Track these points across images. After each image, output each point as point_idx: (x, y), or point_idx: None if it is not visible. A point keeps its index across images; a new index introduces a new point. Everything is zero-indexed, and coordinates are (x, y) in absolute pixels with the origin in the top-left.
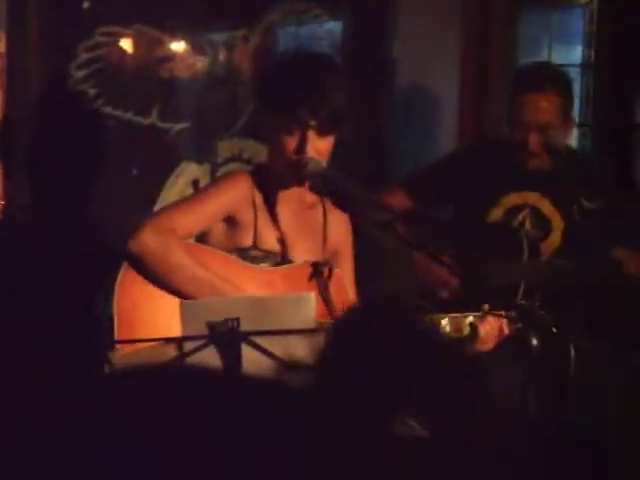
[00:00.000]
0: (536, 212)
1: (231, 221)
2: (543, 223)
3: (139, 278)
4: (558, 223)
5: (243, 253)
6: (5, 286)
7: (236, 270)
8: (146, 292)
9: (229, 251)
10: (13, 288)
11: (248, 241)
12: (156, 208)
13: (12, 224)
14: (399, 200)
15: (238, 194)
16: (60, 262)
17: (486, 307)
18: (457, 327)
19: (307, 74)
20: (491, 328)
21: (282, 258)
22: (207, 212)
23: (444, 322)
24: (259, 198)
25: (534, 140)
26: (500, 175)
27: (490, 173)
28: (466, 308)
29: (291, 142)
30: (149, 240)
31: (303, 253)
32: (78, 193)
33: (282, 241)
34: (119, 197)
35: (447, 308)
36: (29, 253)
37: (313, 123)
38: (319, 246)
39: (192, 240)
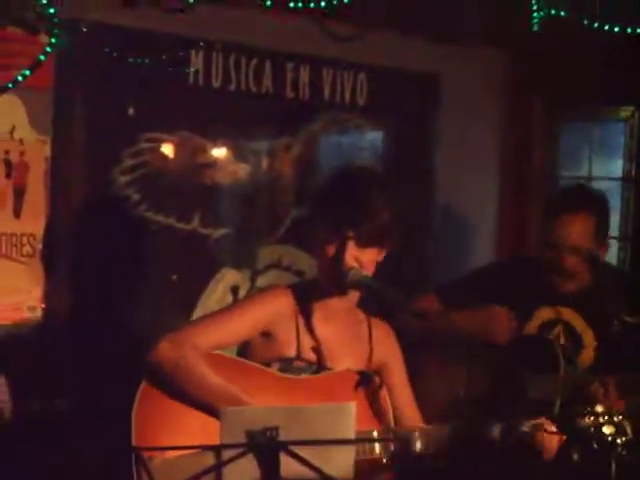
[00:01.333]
0: (569, 328)
1: (269, 336)
2: (576, 339)
3: (159, 396)
4: (590, 341)
5: (286, 364)
6: (44, 387)
7: (269, 381)
8: (167, 410)
9: (270, 362)
10: (51, 389)
11: (291, 352)
12: (195, 313)
13: (52, 328)
14: (432, 307)
15: (274, 310)
16: (96, 368)
17: (544, 420)
18: (510, 435)
19: (353, 187)
20: (551, 437)
21: (318, 368)
22: (236, 328)
23: (495, 430)
24: (298, 311)
25: (566, 261)
26: (534, 291)
27: (524, 289)
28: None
29: (331, 251)
30: (165, 352)
31: (346, 364)
32: (118, 298)
33: (318, 353)
34: (159, 302)
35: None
36: (67, 357)
37: (351, 234)
38: (363, 359)
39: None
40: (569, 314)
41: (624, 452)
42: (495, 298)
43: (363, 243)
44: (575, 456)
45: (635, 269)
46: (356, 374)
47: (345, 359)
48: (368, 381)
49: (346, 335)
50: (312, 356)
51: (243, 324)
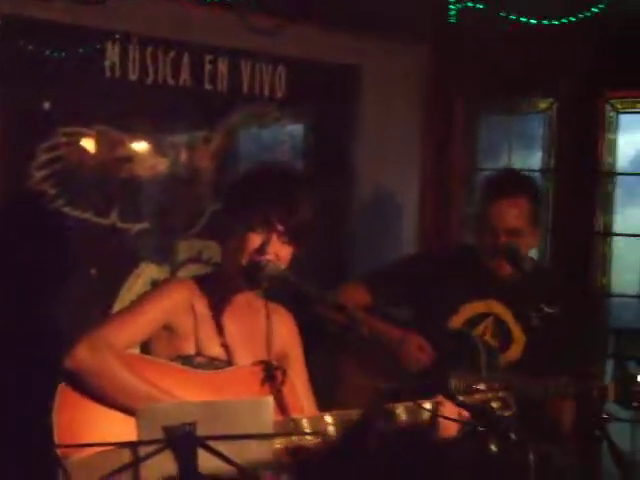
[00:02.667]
0: (499, 322)
1: (170, 329)
2: (504, 334)
3: (77, 397)
4: (519, 336)
5: (187, 361)
6: None
7: (178, 377)
8: (87, 409)
9: (172, 359)
10: None
11: (191, 349)
12: (115, 308)
13: None
14: (359, 296)
15: (174, 303)
16: (12, 367)
17: (440, 398)
18: (414, 415)
19: (278, 182)
20: (450, 413)
21: (227, 364)
22: (144, 323)
23: (398, 410)
24: (201, 305)
25: (504, 245)
26: (466, 281)
27: (455, 279)
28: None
29: (254, 240)
30: (84, 357)
31: (247, 358)
32: (36, 295)
33: (226, 347)
34: (78, 297)
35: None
36: None
37: (280, 228)
38: (263, 350)
39: (136, 349)
40: (499, 308)
41: (510, 425)
42: (425, 289)
43: (287, 238)
44: (493, 447)
45: (554, 260)
46: (261, 368)
47: (248, 352)
48: (272, 375)
49: (247, 326)
50: (216, 351)
51: (147, 319)
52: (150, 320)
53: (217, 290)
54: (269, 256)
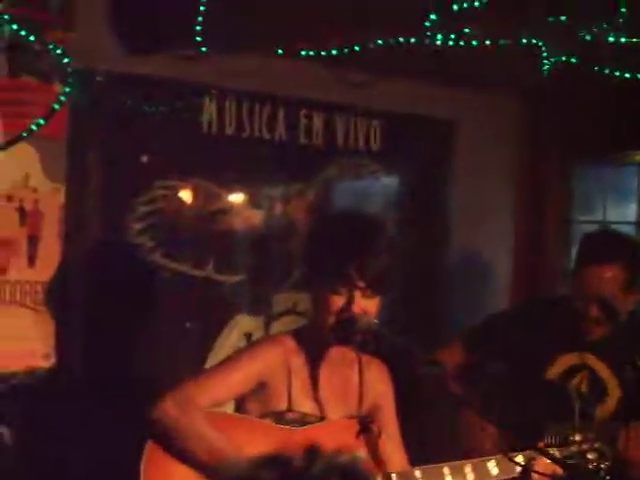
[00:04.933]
0: (593, 375)
1: (263, 386)
2: (599, 387)
3: (164, 455)
4: (614, 389)
5: (278, 417)
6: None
7: (269, 434)
8: (173, 465)
9: (263, 415)
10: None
11: (282, 404)
12: (209, 361)
13: (64, 376)
14: (456, 353)
15: (268, 364)
16: (110, 421)
17: (540, 444)
18: (506, 469)
19: (356, 236)
20: (545, 468)
21: (318, 419)
22: (235, 382)
23: (490, 464)
24: (296, 361)
25: (595, 311)
26: (560, 333)
27: (548, 332)
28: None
29: (337, 301)
30: (167, 410)
31: (339, 412)
32: (131, 346)
33: (319, 402)
34: (174, 350)
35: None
36: (80, 407)
37: (361, 285)
38: (355, 403)
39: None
40: (593, 361)
41: (607, 477)
42: (520, 342)
43: (369, 293)
44: None
45: None
46: (355, 422)
47: (339, 406)
48: (367, 428)
49: (339, 379)
50: (308, 406)
51: (239, 378)
52: (241, 381)
53: (311, 344)
54: (356, 312)
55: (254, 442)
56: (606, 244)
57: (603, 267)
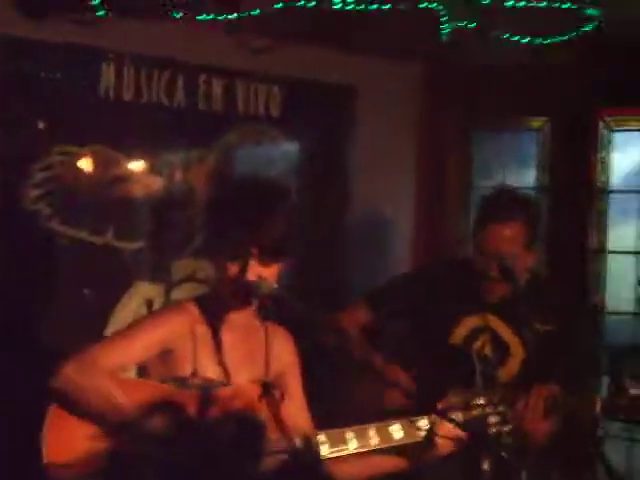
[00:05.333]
0: (495, 336)
1: (168, 353)
2: (502, 349)
3: (68, 417)
4: (517, 350)
5: (181, 383)
6: None
7: (167, 397)
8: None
9: (164, 380)
10: None
11: (187, 370)
12: (109, 327)
13: None
14: (360, 313)
15: (176, 328)
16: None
17: (440, 406)
18: (410, 432)
19: (252, 204)
20: (447, 431)
21: (222, 385)
22: (139, 347)
23: (394, 427)
24: (201, 327)
25: (495, 271)
26: (462, 297)
27: (451, 294)
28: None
29: (234, 268)
30: (69, 375)
31: (245, 377)
32: (30, 314)
33: (224, 366)
34: (72, 317)
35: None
36: None
37: (255, 251)
38: (261, 369)
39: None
40: (496, 322)
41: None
42: (424, 302)
43: (265, 260)
44: (485, 465)
45: (548, 276)
46: (258, 386)
47: (245, 371)
48: (268, 392)
49: (245, 346)
50: (212, 371)
51: (145, 344)
52: (145, 346)
53: (214, 311)
54: (251, 278)
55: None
56: (505, 203)
57: (503, 225)
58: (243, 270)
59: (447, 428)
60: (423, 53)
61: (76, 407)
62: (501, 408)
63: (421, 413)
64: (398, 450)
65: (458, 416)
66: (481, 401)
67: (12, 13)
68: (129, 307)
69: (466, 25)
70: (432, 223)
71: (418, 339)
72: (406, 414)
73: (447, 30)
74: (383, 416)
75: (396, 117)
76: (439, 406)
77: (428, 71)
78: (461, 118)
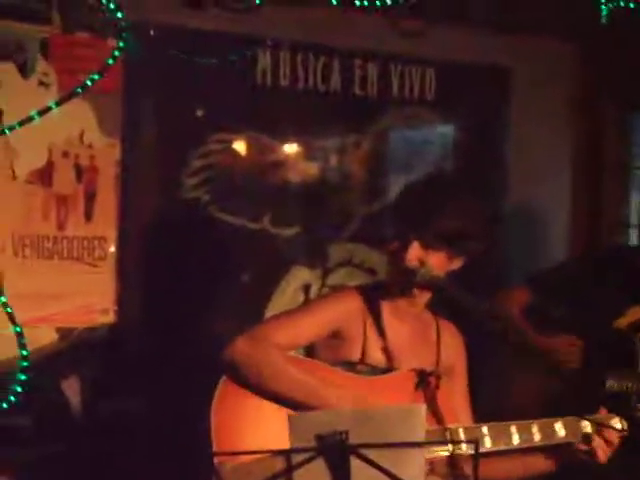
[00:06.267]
0: None
1: (338, 335)
2: None
3: (238, 391)
4: None
5: (349, 367)
6: (117, 390)
7: (338, 379)
8: (246, 405)
9: (334, 364)
10: (125, 393)
11: (356, 355)
12: (267, 313)
13: (124, 329)
14: (521, 296)
15: (347, 309)
16: (169, 371)
17: (603, 412)
18: (573, 432)
19: (421, 192)
20: (606, 442)
21: (385, 370)
22: (311, 326)
23: (558, 425)
24: (367, 312)
25: None
26: (629, 285)
27: (619, 281)
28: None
29: (394, 251)
30: (243, 349)
31: (412, 366)
32: (190, 300)
33: (387, 354)
34: (231, 303)
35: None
36: (140, 361)
37: (414, 235)
38: (431, 361)
39: (298, 352)
40: None
41: None
42: (589, 290)
43: (427, 244)
44: None
45: None
46: (416, 374)
47: (412, 361)
48: (426, 381)
49: (414, 337)
50: (378, 358)
51: (316, 323)
52: (318, 324)
53: (379, 297)
54: (413, 262)
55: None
56: None
57: None
58: (402, 250)
59: (609, 434)
60: (581, 34)
61: (247, 378)
62: None
63: (583, 410)
64: (553, 452)
65: (620, 424)
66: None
67: (171, 3)
68: (287, 292)
69: (627, 4)
70: (590, 207)
71: (580, 324)
72: (565, 407)
73: (606, 11)
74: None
75: (552, 99)
76: (600, 411)
77: (585, 52)
78: (618, 100)
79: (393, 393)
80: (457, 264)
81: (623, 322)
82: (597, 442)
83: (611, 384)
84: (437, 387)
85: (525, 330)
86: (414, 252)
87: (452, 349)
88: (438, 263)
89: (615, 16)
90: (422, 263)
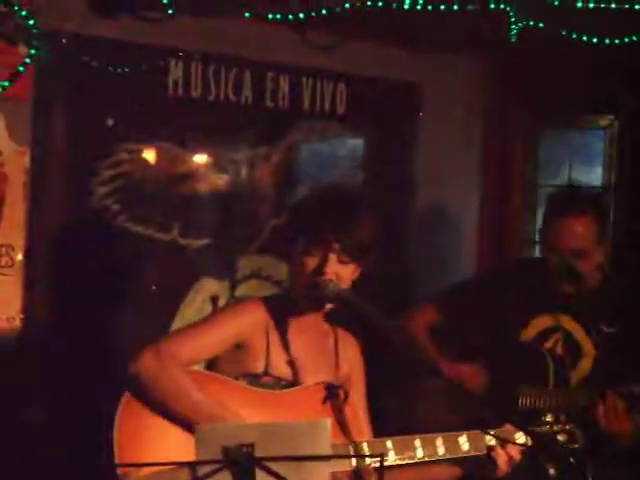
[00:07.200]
0: (568, 336)
1: (241, 348)
2: (574, 348)
3: (141, 407)
4: (589, 349)
5: (254, 379)
6: (20, 395)
7: (242, 396)
8: (148, 424)
9: (237, 377)
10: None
11: (259, 368)
12: (174, 323)
13: (30, 338)
14: (429, 315)
15: (250, 321)
16: (74, 379)
17: (508, 427)
18: (477, 446)
19: (338, 201)
20: (509, 457)
21: (292, 385)
22: (215, 339)
23: (462, 439)
24: (272, 325)
25: (560, 263)
26: (533, 295)
27: (523, 293)
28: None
29: (310, 265)
30: (147, 364)
31: (313, 380)
32: (98, 309)
33: (293, 367)
34: (139, 313)
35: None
36: (46, 369)
37: (336, 247)
38: (331, 372)
39: (200, 366)
40: (568, 322)
41: (576, 459)
42: (495, 304)
43: (345, 258)
44: (552, 471)
45: (615, 279)
46: (324, 388)
47: (315, 373)
48: (334, 394)
49: (315, 349)
50: (283, 371)
51: (220, 336)
52: (222, 337)
53: (285, 310)
54: (329, 276)
55: (230, 401)
56: (574, 198)
57: (575, 219)
58: (323, 263)
59: (511, 447)
60: (489, 52)
61: (150, 396)
62: (569, 426)
63: (488, 425)
64: (458, 461)
65: (524, 438)
66: (549, 418)
67: (83, 11)
68: (195, 303)
69: (535, 25)
70: (498, 222)
71: (488, 339)
72: (470, 424)
73: (515, 30)
74: (447, 425)
75: (460, 115)
76: (505, 426)
77: (494, 70)
78: (526, 116)
79: (300, 407)
80: (356, 275)
81: (530, 333)
82: (500, 455)
83: (523, 401)
84: (345, 401)
85: (428, 352)
86: (332, 266)
87: (350, 358)
88: (348, 275)
89: (524, 34)
90: (337, 277)
